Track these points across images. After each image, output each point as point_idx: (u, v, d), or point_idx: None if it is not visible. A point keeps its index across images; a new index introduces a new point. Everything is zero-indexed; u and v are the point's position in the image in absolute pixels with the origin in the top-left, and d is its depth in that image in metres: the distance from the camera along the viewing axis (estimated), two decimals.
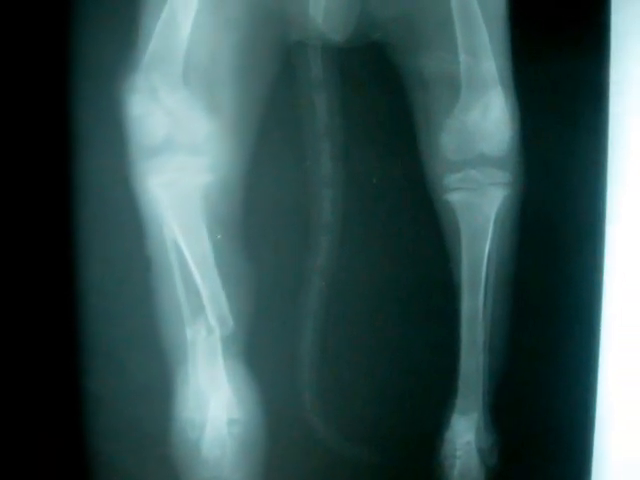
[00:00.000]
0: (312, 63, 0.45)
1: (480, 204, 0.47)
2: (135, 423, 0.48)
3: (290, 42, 0.45)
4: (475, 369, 0.48)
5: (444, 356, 0.48)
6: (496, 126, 0.46)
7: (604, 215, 0.47)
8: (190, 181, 0.45)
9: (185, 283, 0.46)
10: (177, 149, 0.45)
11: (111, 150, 0.45)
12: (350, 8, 0.45)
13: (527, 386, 0.49)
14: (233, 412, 0.48)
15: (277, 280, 0.46)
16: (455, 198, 0.47)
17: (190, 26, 0.44)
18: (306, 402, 0.48)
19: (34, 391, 0.46)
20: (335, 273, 0.47)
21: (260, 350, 0.47)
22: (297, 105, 0.45)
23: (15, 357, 0.45)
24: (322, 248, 0.46)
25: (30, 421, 0.46)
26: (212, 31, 0.44)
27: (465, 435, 0.49)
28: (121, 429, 0.48)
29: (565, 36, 0.45)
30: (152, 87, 0.44)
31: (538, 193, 0.46)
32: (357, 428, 0.48)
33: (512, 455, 0.49)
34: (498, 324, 0.48)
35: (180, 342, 0.47)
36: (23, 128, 0.44)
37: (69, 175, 0.45)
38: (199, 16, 0.44)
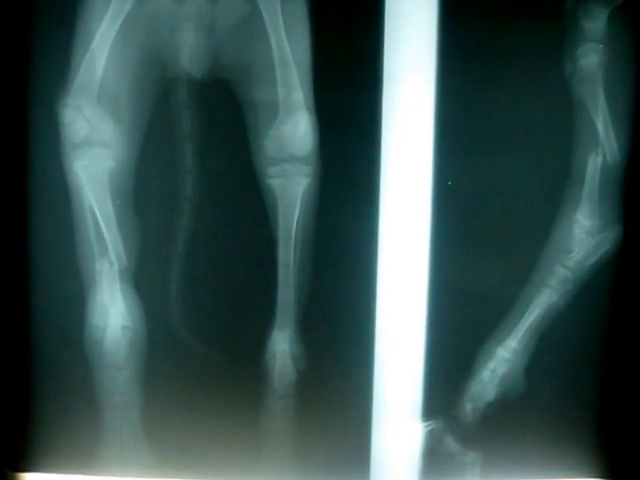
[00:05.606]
0: (180, 91, 0.68)
1: (291, 187, 0.68)
2: (65, 325, 0.72)
3: (167, 76, 0.68)
4: (287, 299, 0.70)
5: (268, 289, 0.70)
6: (301, 135, 0.68)
7: (378, 194, 0.68)
8: (100, 165, 0.68)
9: (96, 232, 0.69)
10: (92, 144, 0.67)
11: (54, 143, 0.69)
12: (205, 56, 0.68)
13: (325, 311, 0.71)
14: (125, 320, 0.71)
15: (155, 232, 0.70)
16: (275, 183, 0.68)
17: (103, 64, 0.67)
18: (174, 315, 0.71)
19: None
20: (194, 229, 0.70)
21: (144, 278, 0.70)
22: (170, 117, 0.68)
23: None
24: (185, 212, 0.70)
25: None
26: (117, 68, 0.68)
27: (282, 344, 0.71)
28: (55, 330, 0.72)
29: (346, 76, 0.67)
30: (77, 104, 0.68)
31: (329, 180, 0.69)
32: (209, 336, 0.71)
33: (314, 361, 0.72)
34: (303, 267, 0.70)
35: (92, 271, 0.70)
36: None
37: (27, 161, 0.70)
38: (109, 58, 0.67)
